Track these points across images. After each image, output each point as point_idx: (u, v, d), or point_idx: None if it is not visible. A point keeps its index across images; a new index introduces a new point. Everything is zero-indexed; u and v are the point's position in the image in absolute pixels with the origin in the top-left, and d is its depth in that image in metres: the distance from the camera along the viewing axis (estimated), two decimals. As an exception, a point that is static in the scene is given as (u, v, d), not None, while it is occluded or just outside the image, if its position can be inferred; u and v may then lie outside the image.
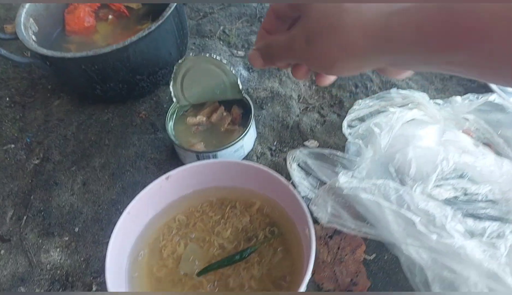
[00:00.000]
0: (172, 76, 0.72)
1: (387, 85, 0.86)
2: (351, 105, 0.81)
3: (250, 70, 0.92)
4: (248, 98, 0.75)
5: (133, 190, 0.72)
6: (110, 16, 0.94)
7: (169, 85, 0.88)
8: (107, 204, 0.73)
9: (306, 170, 0.63)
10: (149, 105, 0.86)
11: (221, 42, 0.98)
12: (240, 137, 0.70)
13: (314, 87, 0.90)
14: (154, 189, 0.61)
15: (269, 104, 0.85)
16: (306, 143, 0.79)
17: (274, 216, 0.61)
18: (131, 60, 0.76)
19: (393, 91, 0.77)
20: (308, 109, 0.85)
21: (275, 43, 0.45)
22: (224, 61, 0.70)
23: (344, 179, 0.51)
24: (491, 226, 0.50)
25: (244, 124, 0.74)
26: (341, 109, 0.85)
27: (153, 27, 0.75)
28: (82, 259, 0.67)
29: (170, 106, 0.76)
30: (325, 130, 0.81)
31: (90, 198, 0.74)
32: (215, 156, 0.69)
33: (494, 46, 0.29)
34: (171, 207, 0.64)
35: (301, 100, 0.87)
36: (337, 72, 0.40)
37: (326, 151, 0.62)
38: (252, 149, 0.77)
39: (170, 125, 0.74)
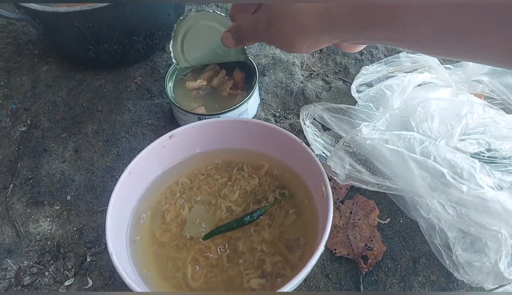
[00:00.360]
0: (172, 35, 0.67)
1: (393, 52, 0.83)
2: (357, 72, 0.78)
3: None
4: (252, 60, 0.71)
5: (129, 156, 0.67)
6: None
7: (165, 49, 0.84)
8: (101, 171, 0.68)
9: (322, 125, 0.60)
10: (145, 71, 0.81)
11: (219, 9, 0.94)
12: (244, 100, 0.66)
13: (317, 54, 0.86)
14: (157, 148, 0.57)
15: (271, 71, 0.81)
16: (312, 108, 0.75)
17: (284, 178, 0.58)
18: (127, 19, 0.71)
19: (402, 54, 0.74)
20: (312, 76, 0.82)
21: (243, 25, 0.51)
22: (229, 18, 0.65)
23: (366, 131, 0.48)
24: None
25: (247, 88, 0.70)
26: (347, 76, 0.81)
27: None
28: (75, 229, 0.63)
29: (168, 69, 0.71)
30: (331, 96, 0.77)
31: (82, 166, 0.69)
32: (218, 120, 0.65)
33: (404, 22, 0.36)
34: (174, 169, 0.59)
35: (304, 67, 0.84)
36: (297, 49, 0.46)
37: (343, 105, 0.58)
38: (255, 115, 0.73)
39: (169, 87, 0.70)
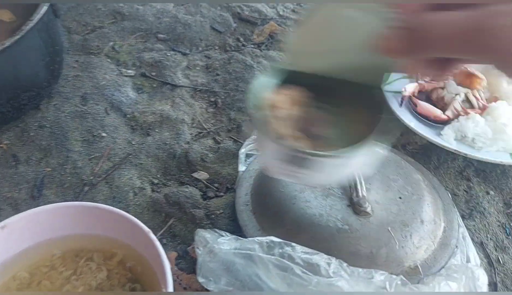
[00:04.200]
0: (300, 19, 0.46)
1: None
2: (251, 130, 0.74)
3: (140, 91, 0.82)
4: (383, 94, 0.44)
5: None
6: (-28, 29, 0.81)
7: (39, 108, 0.77)
8: None
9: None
10: (13, 133, 0.73)
11: (108, 60, 0.87)
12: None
13: (211, 110, 0.82)
14: (-13, 241, 0.50)
15: (156, 130, 0.75)
16: (194, 174, 0.70)
17: (137, 271, 0.51)
18: (-19, 81, 0.64)
19: None
20: (202, 134, 0.77)
21: (439, 27, 0.29)
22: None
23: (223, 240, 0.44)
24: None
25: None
26: (239, 134, 0.77)
27: (7, 43, 0.63)
28: None
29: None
30: (218, 159, 0.72)
31: None
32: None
33: None
34: (12, 262, 0.52)
35: (194, 125, 0.78)
36: None
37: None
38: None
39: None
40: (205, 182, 0.69)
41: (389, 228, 0.53)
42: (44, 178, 0.67)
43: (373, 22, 0.35)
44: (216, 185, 0.69)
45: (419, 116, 0.74)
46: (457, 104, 0.73)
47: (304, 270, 0.44)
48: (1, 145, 0.71)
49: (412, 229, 0.54)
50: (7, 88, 0.67)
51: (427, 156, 0.72)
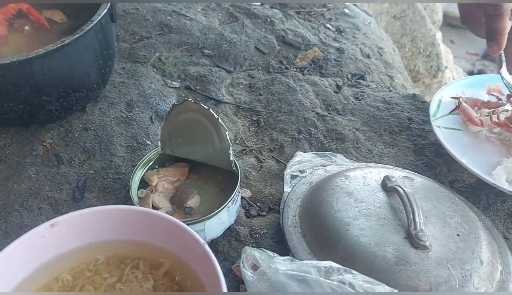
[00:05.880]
0: (166, 116, 0.62)
1: (332, 134, 0.79)
2: (293, 152, 0.74)
3: (176, 102, 0.82)
4: (239, 169, 0.61)
5: (18, 235, 0.58)
6: (26, 28, 0.81)
7: (86, 110, 0.76)
8: (-19, 251, 0.58)
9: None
10: (57, 133, 0.72)
11: (154, 70, 0.88)
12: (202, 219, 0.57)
13: (254, 128, 0.81)
14: (34, 238, 0.48)
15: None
16: (237, 191, 0.68)
17: (184, 283, 0.49)
18: (36, 78, 0.64)
19: (339, 156, 0.71)
20: (245, 152, 0.76)
21: None
22: (221, 123, 0.59)
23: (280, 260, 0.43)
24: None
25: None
26: (281, 155, 0.76)
27: (67, 41, 0.63)
28: None
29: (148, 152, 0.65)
30: (261, 177, 0.71)
31: (-39, 242, 0.59)
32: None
33: None
34: (55, 262, 0.50)
35: (237, 141, 0.77)
36: None
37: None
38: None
39: (138, 175, 0.63)
40: (248, 200, 0.67)
41: (449, 265, 0.50)
42: (86, 180, 0.66)
43: (214, 132, 0.60)
44: (258, 204, 0.67)
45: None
46: (502, 115, 0.72)
47: (368, 301, 0.42)
48: (44, 144, 0.71)
49: (472, 269, 0.51)
50: (60, 85, 0.67)
51: (476, 195, 0.70)
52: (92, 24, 0.66)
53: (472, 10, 0.73)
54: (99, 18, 0.67)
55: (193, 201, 0.62)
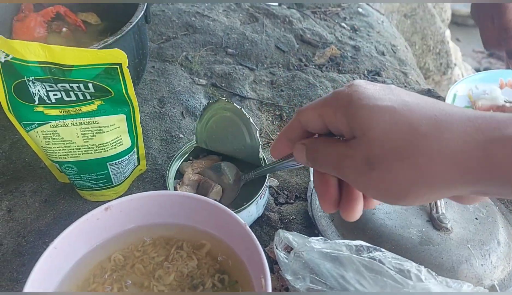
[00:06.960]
0: (201, 112, 0.67)
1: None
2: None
3: (211, 100, 0.86)
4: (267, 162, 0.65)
5: (66, 221, 0.63)
6: (64, 29, 0.86)
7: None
8: (33, 235, 0.63)
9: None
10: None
11: (182, 68, 0.92)
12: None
13: (277, 122, 0.85)
14: (90, 221, 0.53)
15: (229, 137, 0.79)
16: (265, 181, 0.73)
17: (225, 262, 0.54)
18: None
19: None
20: (270, 144, 0.80)
21: (325, 152, 0.38)
22: (252, 122, 0.63)
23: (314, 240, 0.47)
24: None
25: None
26: (305, 148, 0.80)
27: (109, 41, 0.68)
28: (-6, 300, 0.57)
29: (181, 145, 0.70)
30: (285, 170, 0.75)
31: (14, 228, 0.64)
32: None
33: None
34: (108, 243, 0.55)
35: (262, 134, 0.82)
36: (409, 202, 0.34)
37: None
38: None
39: (174, 166, 0.67)
40: (276, 189, 0.72)
41: (469, 245, 0.55)
42: (125, 171, 0.71)
43: (245, 130, 0.63)
44: (285, 192, 0.72)
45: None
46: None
47: (397, 274, 0.46)
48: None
49: (490, 249, 0.55)
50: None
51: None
52: (131, 26, 0.71)
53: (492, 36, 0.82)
54: (137, 19, 0.72)
55: (214, 193, 0.65)
